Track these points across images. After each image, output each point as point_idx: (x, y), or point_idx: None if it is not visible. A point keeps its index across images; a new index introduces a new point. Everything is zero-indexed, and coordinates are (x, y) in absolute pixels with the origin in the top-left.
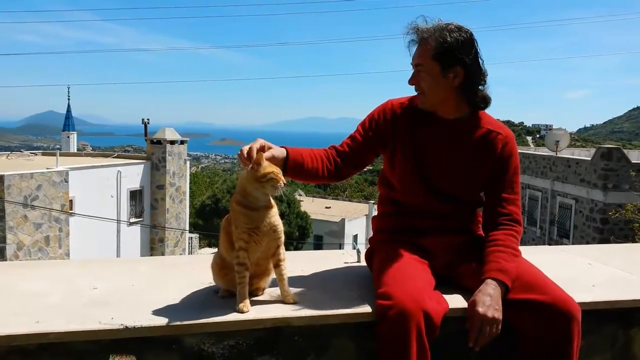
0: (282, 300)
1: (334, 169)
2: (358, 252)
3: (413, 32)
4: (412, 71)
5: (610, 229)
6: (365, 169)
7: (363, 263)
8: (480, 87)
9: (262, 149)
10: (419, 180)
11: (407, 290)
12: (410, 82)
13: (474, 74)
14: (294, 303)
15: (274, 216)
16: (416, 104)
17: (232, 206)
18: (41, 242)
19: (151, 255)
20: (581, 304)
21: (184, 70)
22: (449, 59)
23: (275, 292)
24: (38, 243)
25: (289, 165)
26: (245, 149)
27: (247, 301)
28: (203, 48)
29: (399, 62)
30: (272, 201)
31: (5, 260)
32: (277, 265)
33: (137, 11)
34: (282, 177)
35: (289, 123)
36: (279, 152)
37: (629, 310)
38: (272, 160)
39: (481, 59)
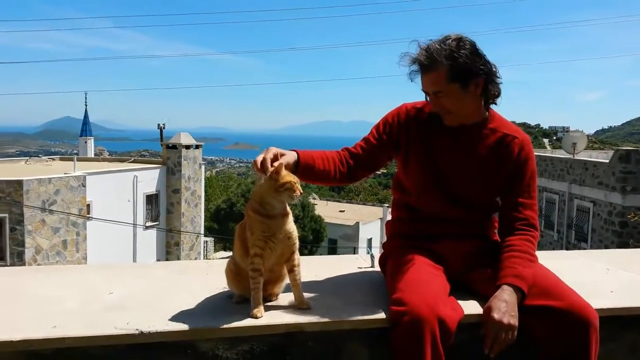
0: (296, 306)
1: (346, 171)
2: (372, 257)
3: (413, 61)
4: (426, 95)
5: (629, 232)
6: (379, 173)
7: (377, 268)
8: (498, 85)
9: (275, 158)
10: (433, 186)
11: (422, 296)
12: (434, 108)
13: (491, 76)
14: (308, 309)
15: (290, 223)
16: (427, 106)
17: (247, 213)
18: (59, 246)
19: (167, 258)
20: (599, 310)
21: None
22: (467, 76)
23: (289, 297)
24: (56, 247)
25: (300, 167)
26: (259, 159)
27: (261, 307)
28: (215, 54)
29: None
30: (288, 208)
31: (24, 263)
32: (292, 271)
33: (150, 18)
34: (299, 187)
35: (302, 127)
36: (290, 156)
37: None
38: (285, 166)
39: (486, 58)
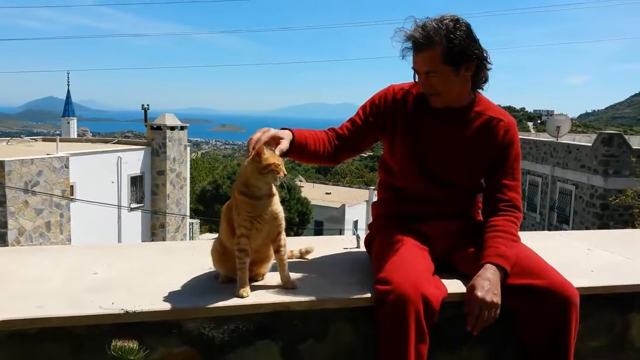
0: (282, 286)
1: (332, 152)
2: (358, 237)
3: (407, 38)
4: (417, 74)
5: (610, 214)
6: (365, 155)
7: (362, 249)
8: (487, 71)
9: (275, 140)
10: (419, 167)
11: (406, 276)
12: (422, 87)
13: (483, 62)
14: (293, 288)
15: (276, 204)
16: (414, 88)
17: (234, 194)
18: (42, 228)
19: (152, 240)
20: (579, 288)
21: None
22: (460, 59)
23: (275, 277)
24: (39, 229)
25: (294, 147)
26: (254, 138)
27: (247, 287)
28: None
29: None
30: (274, 189)
31: (7, 245)
32: (278, 251)
33: None
34: (283, 169)
35: (291, 109)
36: (286, 136)
37: (627, 295)
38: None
39: (480, 43)
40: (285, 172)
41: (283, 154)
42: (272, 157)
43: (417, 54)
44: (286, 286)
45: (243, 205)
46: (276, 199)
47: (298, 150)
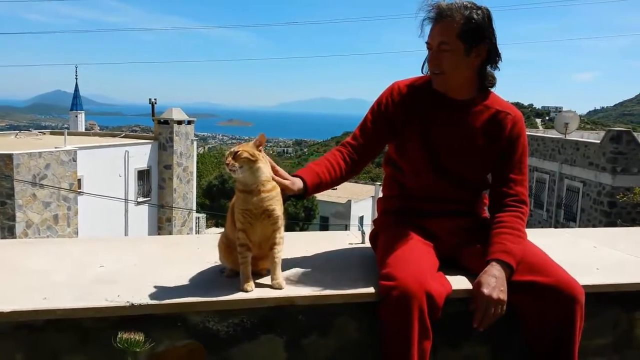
0: (288, 281)
1: (351, 168)
2: (362, 233)
3: (432, 9)
4: (429, 51)
5: (617, 212)
6: None
7: (367, 244)
8: (495, 67)
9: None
10: (427, 162)
11: (411, 272)
12: (431, 62)
13: (494, 53)
14: (280, 289)
15: (268, 200)
16: (420, 83)
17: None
18: (50, 221)
19: (159, 234)
20: (585, 286)
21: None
22: (474, 38)
23: (284, 273)
24: (47, 221)
25: (309, 190)
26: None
27: (251, 281)
28: (211, 28)
29: (408, 42)
30: (268, 186)
31: (15, 238)
32: (271, 249)
33: None
34: (229, 160)
35: (298, 104)
36: (297, 184)
37: (632, 294)
38: (287, 188)
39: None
40: (230, 162)
41: (300, 196)
42: (229, 153)
43: (436, 24)
44: (274, 286)
45: (237, 198)
46: (269, 196)
47: (315, 190)
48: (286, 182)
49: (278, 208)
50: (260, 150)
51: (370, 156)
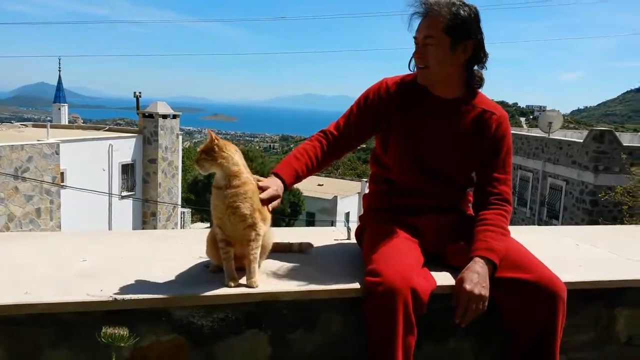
0: (273, 276)
1: (328, 159)
2: (348, 229)
3: (420, 4)
4: (415, 46)
5: (599, 211)
6: (358, 147)
7: (353, 240)
8: (482, 66)
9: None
10: (411, 160)
11: (396, 268)
12: (416, 55)
13: (481, 51)
14: (252, 287)
15: (232, 197)
16: (408, 81)
17: None
18: (32, 214)
19: (143, 229)
20: (567, 283)
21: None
22: (461, 33)
23: (269, 268)
24: (29, 215)
25: (289, 186)
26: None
27: (233, 276)
28: (198, 21)
29: (397, 39)
30: (235, 182)
31: None
32: (246, 246)
33: None
34: (200, 159)
35: (285, 99)
36: (275, 186)
37: (613, 291)
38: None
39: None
40: (197, 162)
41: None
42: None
43: (424, 19)
44: (247, 285)
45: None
46: (235, 192)
47: (297, 182)
48: (273, 192)
49: (245, 205)
50: (217, 147)
51: (349, 147)
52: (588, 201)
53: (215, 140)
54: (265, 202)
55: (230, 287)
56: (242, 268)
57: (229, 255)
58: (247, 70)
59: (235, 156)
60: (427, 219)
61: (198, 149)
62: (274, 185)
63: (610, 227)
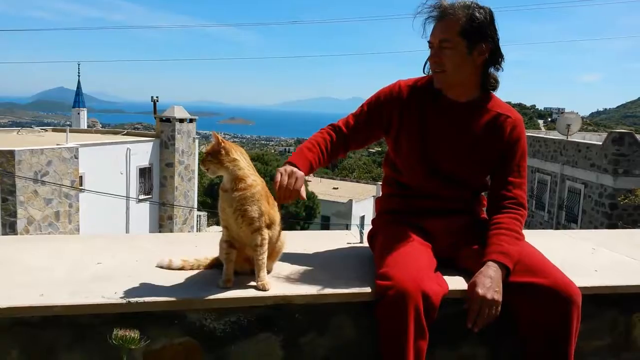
0: (286, 279)
1: (336, 155)
2: (361, 232)
3: (434, 7)
4: (431, 50)
5: (618, 214)
6: (373, 150)
7: (366, 244)
8: (498, 67)
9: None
10: (425, 162)
11: (407, 272)
12: (432, 59)
13: (497, 53)
14: (263, 290)
15: (239, 200)
16: (422, 84)
17: None
18: (51, 217)
19: (160, 232)
20: (582, 288)
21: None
22: (477, 36)
23: (282, 272)
24: (48, 218)
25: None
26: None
27: (230, 279)
28: (213, 26)
29: (412, 42)
30: (241, 185)
31: (16, 234)
32: (253, 250)
33: None
34: (206, 160)
35: (300, 103)
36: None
37: (630, 296)
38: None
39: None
40: (203, 163)
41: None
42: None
43: (438, 22)
44: (257, 287)
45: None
46: (242, 195)
47: (309, 173)
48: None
49: (252, 208)
50: (223, 150)
51: (355, 146)
52: (607, 204)
53: (222, 143)
54: (299, 184)
55: (219, 286)
56: (248, 272)
57: (229, 257)
58: (262, 73)
59: (241, 159)
60: (440, 222)
61: (204, 151)
62: (295, 172)
63: (628, 231)
